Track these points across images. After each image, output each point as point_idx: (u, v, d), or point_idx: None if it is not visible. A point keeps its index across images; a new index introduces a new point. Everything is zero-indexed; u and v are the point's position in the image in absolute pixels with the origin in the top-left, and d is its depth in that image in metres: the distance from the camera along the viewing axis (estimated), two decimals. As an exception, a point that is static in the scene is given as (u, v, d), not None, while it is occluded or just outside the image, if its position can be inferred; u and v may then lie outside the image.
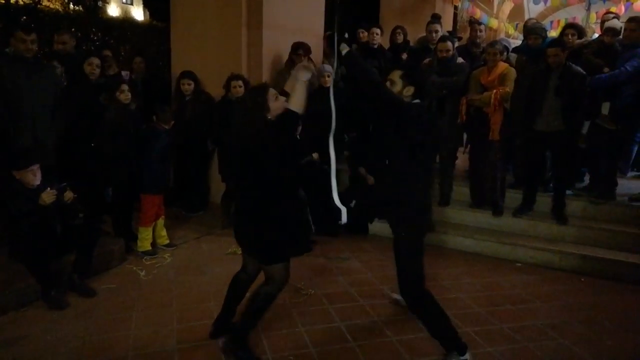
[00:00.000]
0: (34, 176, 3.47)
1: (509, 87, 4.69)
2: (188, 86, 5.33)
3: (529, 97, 4.71)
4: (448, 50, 5.02)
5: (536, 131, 4.69)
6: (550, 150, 4.86)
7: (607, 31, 5.11)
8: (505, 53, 5.04)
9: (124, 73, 5.71)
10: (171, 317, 3.38)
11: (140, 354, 2.92)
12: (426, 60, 5.46)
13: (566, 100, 4.50)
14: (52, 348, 2.97)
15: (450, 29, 9.88)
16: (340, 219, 2.51)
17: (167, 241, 4.69)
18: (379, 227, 5.32)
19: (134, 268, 4.20)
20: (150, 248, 4.50)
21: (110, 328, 3.21)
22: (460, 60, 5.17)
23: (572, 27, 5.42)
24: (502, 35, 10.28)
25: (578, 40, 5.25)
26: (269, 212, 2.68)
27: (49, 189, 3.44)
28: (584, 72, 4.55)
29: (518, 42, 7.28)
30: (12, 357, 2.86)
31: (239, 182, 2.92)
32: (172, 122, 4.49)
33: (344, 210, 2.44)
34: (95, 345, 3.00)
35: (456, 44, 5.46)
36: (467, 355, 2.86)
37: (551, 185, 5.11)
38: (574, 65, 4.57)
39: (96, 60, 4.71)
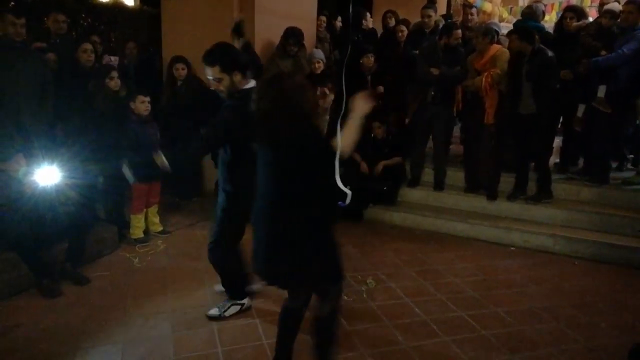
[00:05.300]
0: (18, 165, 3.40)
1: (500, 69, 4.68)
2: (182, 71, 5.20)
3: (509, 81, 4.75)
4: (459, 39, 5.03)
5: (519, 114, 4.72)
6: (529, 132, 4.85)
7: (606, 13, 5.07)
8: (494, 36, 4.94)
9: (113, 58, 5.61)
10: (165, 304, 3.37)
11: (135, 341, 2.90)
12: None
13: (535, 84, 4.56)
14: (46, 336, 2.94)
15: (444, 12, 9.78)
16: (342, 202, 2.39)
17: (161, 228, 4.66)
18: (373, 212, 5.33)
19: (127, 255, 4.18)
20: (142, 235, 4.47)
21: (104, 316, 3.19)
22: None
23: (571, 10, 5.38)
24: (496, 19, 10.19)
25: (575, 23, 5.21)
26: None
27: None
28: (550, 55, 4.56)
29: (511, 26, 7.20)
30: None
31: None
32: (148, 110, 4.33)
33: (349, 193, 2.26)
34: (89, 333, 2.98)
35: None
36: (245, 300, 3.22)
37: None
38: (544, 49, 4.59)
39: (89, 46, 4.63)
